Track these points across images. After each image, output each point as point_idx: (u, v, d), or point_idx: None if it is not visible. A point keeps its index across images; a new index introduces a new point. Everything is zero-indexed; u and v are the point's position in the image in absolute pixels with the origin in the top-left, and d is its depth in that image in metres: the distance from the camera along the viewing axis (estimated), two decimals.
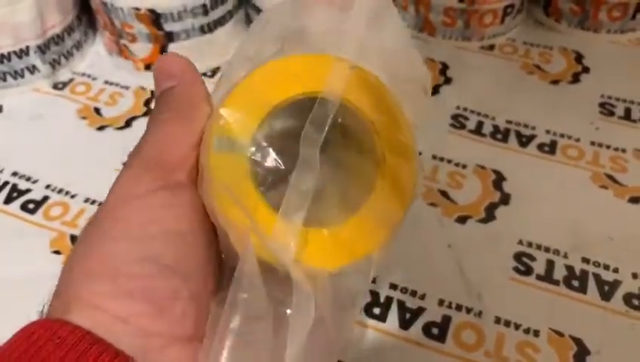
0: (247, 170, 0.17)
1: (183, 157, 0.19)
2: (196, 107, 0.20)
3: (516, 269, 0.36)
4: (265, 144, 0.17)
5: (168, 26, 0.47)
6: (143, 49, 0.49)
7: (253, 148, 0.17)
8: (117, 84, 0.50)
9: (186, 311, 0.18)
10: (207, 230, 0.19)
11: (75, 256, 0.19)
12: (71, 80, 0.51)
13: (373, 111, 0.17)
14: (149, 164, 0.19)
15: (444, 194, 0.40)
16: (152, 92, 0.49)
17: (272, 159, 0.18)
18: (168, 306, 0.18)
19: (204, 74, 0.50)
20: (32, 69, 0.49)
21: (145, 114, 0.47)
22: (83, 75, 0.51)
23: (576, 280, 0.35)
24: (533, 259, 0.36)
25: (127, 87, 0.50)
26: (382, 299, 0.34)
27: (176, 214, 0.19)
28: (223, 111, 0.17)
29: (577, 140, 0.44)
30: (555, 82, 0.49)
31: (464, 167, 0.42)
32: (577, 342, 0.32)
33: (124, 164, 0.20)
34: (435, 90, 0.48)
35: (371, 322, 0.33)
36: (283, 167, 0.18)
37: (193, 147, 0.20)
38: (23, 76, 0.49)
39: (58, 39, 0.49)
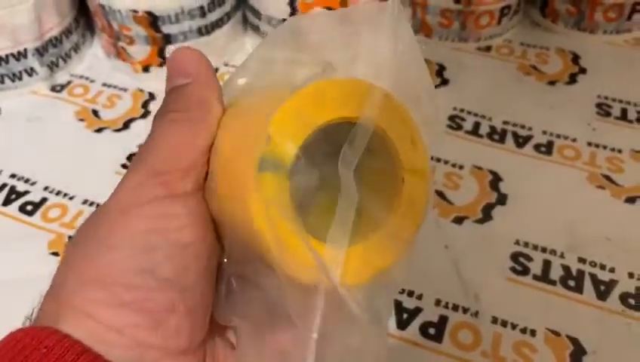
0: (288, 192, 0.17)
1: (192, 163, 0.19)
2: (208, 109, 0.20)
3: (513, 269, 0.36)
4: (303, 166, 0.18)
5: (166, 28, 0.47)
6: (140, 51, 0.49)
7: (293, 170, 0.18)
8: (115, 86, 0.50)
9: (180, 325, 0.18)
10: (209, 241, 0.19)
11: (71, 260, 0.18)
12: (69, 82, 0.51)
13: (397, 137, 0.19)
14: (155, 170, 0.19)
15: (440, 194, 0.40)
16: (150, 94, 0.50)
17: (308, 181, 0.18)
18: (164, 320, 0.18)
19: None
20: (30, 72, 0.49)
21: (143, 116, 0.47)
22: (81, 77, 0.51)
23: (572, 280, 0.35)
24: (529, 259, 0.36)
25: (125, 89, 0.50)
26: None
27: (179, 225, 0.18)
28: (271, 131, 0.17)
29: (574, 141, 0.44)
30: (552, 83, 0.49)
31: (461, 167, 0.42)
32: (574, 341, 0.32)
33: (129, 166, 0.19)
34: None
35: None
36: (316, 189, 0.19)
37: (203, 152, 0.19)
38: (21, 79, 0.49)
39: (56, 42, 0.49)
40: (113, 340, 0.17)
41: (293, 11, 0.48)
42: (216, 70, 0.51)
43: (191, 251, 0.18)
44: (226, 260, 0.20)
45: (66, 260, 0.19)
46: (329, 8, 0.48)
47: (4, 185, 0.42)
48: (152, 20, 0.47)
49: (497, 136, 0.44)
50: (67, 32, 0.50)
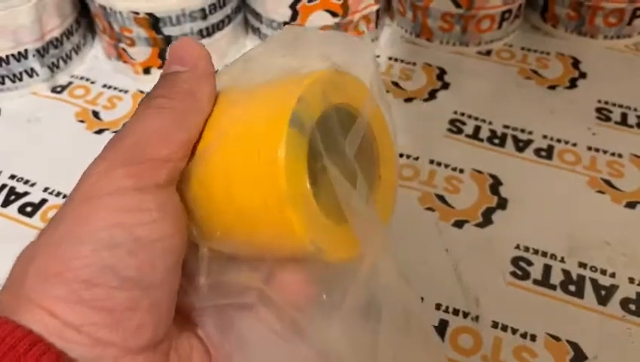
0: (306, 154, 0.18)
1: (168, 155, 0.18)
2: (197, 102, 0.19)
3: (513, 274, 0.36)
4: (318, 135, 0.19)
5: (167, 30, 0.47)
6: (141, 53, 0.49)
7: (312, 135, 0.19)
8: (115, 88, 0.50)
9: (142, 323, 0.17)
10: (179, 236, 0.18)
11: (33, 250, 0.18)
12: (69, 83, 0.51)
13: (380, 135, 0.21)
14: (127, 158, 0.18)
15: (441, 198, 0.40)
16: None
17: (318, 149, 0.19)
18: (125, 318, 0.17)
19: None
20: (31, 73, 0.49)
21: None
22: (81, 78, 0.51)
23: (573, 285, 0.35)
24: (530, 263, 0.36)
25: (125, 91, 0.50)
26: None
27: (147, 220, 0.17)
28: (303, 92, 0.18)
29: (574, 145, 0.44)
30: (552, 87, 0.49)
31: (461, 171, 0.42)
32: (574, 346, 0.32)
33: (102, 150, 0.18)
34: (433, 95, 0.48)
35: None
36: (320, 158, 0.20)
37: (182, 145, 0.18)
38: (21, 79, 0.49)
39: (57, 43, 0.49)
40: (71, 337, 0.16)
41: (295, 14, 0.48)
42: (216, 72, 0.51)
43: (158, 247, 0.17)
44: (206, 249, 0.20)
45: (30, 248, 0.18)
46: (330, 12, 0.48)
47: (4, 186, 0.42)
48: (153, 22, 0.47)
49: (498, 140, 0.44)
50: (68, 34, 0.50)
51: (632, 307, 0.34)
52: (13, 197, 0.41)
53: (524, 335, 0.33)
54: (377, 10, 0.51)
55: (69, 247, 0.17)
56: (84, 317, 0.17)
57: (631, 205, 0.40)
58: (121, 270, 0.17)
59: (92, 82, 0.51)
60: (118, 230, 0.17)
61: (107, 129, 0.46)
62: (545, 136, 0.44)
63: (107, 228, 0.17)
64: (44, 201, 0.41)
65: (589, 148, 0.43)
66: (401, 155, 0.42)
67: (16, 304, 0.17)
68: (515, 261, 0.36)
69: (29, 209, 0.41)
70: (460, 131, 0.45)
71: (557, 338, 0.32)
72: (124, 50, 0.49)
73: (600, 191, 0.40)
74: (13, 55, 0.47)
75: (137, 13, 0.46)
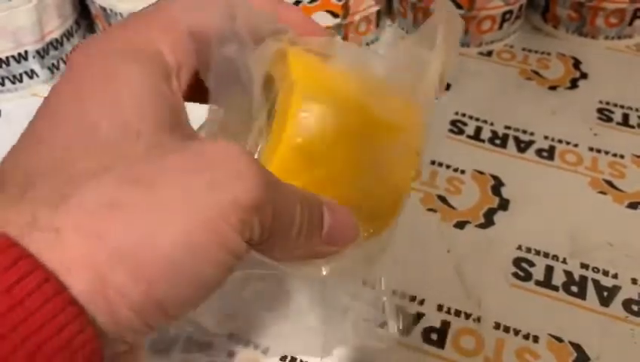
0: None
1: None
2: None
3: (515, 275, 0.35)
4: None
5: None
6: None
7: None
8: None
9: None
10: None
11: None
12: None
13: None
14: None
15: (442, 199, 0.40)
16: None
17: None
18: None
19: None
20: (31, 74, 0.49)
21: None
22: None
23: (575, 286, 0.35)
24: (532, 264, 0.36)
25: None
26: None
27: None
28: None
29: (576, 146, 0.44)
30: (553, 88, 0.49)
31: (463, 172, 0.42)
32: (577, 347, 0.32)
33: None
34: None
35: None
36: None
37: None
38: (21, 81, 0.49)
39: (57, 44, 0.49)
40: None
41: None
42: None
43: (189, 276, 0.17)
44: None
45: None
46: (331, 13, 0.48)
47: None
48: None
49: (499, 140, 0.44)
50: (68, 35, 0.50)
51: (635, 308, 0.34)
52: None
53: (526, 337, 0.32)
54: (378, 11, 0.51)
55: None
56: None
57: (633, 206, 0.39)
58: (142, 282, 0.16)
59: None
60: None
61: None
62: (546, 137, 0.44)
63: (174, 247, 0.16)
64: None
65: (591, 149, 0.43)
66: None
67: (67, 228, 0.16)
68: (517, 262, 0.36)
69: None
70: (461, 132, 0.45)
71: (559, 340, 0.32)
72: None
73: (602, 192, 0.40)
74: (13, 56, 0.47)
75: None
